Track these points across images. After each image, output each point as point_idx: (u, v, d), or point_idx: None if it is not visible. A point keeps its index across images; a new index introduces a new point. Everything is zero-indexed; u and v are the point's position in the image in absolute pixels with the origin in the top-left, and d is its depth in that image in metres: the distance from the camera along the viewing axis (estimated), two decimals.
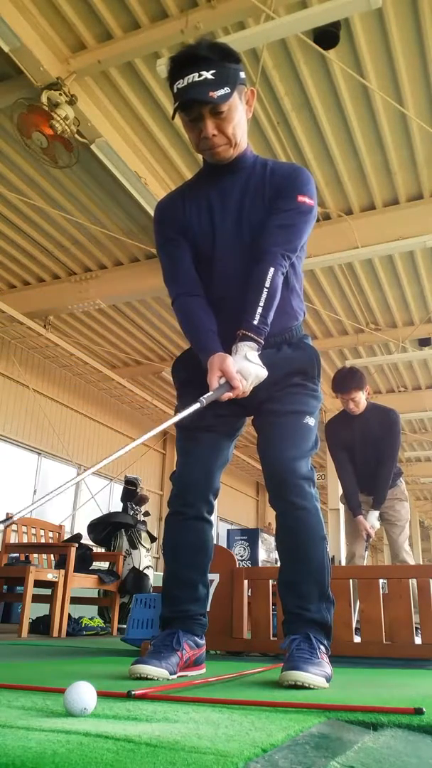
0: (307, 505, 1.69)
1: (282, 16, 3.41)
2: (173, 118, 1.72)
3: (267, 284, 1.65)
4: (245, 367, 1.61)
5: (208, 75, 1.62)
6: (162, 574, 1.85)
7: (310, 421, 1.78)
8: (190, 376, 1.86)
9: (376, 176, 4.94)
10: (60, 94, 3.86)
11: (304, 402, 1.80)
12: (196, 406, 1.54)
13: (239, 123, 1.72)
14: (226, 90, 1.63)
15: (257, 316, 1.63)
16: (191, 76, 1.62)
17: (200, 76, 1.62)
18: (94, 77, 4.13)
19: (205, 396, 1.55)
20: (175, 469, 1.84)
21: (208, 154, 1.75)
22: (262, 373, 1.65)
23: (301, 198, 1.72)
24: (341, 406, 3.96)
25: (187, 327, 1.79)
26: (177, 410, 1.89)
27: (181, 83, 1.64)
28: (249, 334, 1.63)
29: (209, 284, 1.81)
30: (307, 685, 1.43)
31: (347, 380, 3.85)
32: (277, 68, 4.04)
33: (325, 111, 4.34)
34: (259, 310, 1.64)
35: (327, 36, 3.64)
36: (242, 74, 1.72)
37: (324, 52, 3.71)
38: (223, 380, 1.59)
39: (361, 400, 3.84)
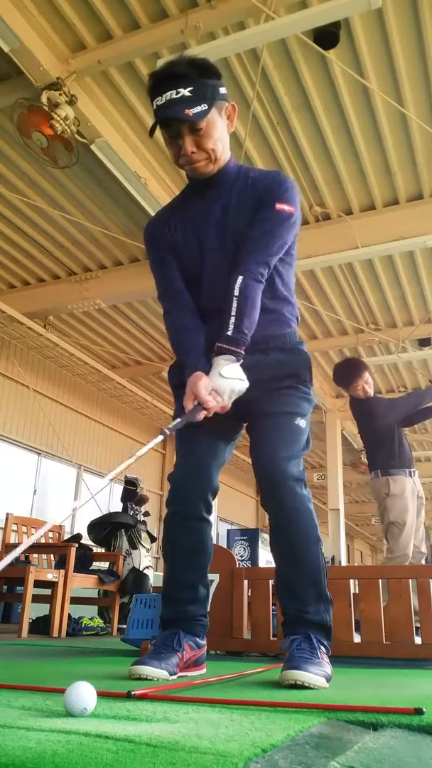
0: (298, 506, 1.68)
1: (282, 16, 3.41)
2: (151, 134, 1.74)
3: (236, 293, 1.66)
4: (219, 384, 1.63)
5: (185, 92, 1.64)
6: (162, 574, 1.85)
7: (301, 422, 1.78)
8: (183, 379, 1.88)
9: (376, 176, 4.93)
10: (60, 94, 3.85)
11: (296, 404, 1.80)
12: (160, 437, 1.56)
13: (219, 138, 1.74)
14: (203, 107, 1.65)
15: (231, 327, 1.65)
16: (169, 93, 1.65)
17: (178, 93, 1.64)
18: (94, 77, 4.13)
19: (169, 426, 1.59)
20: (173, 469, 1.85)
21: (188, 170, 1.78)
22: (240, 386, 1.65)
23: (279, 206, 1.72)
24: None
25: (174, 342, 1.83)
26: (175, 413, 1.92)
27: (159, 100, 1.67)
28: (224, 346, 1.65)
29: (199, 299, 1.83)
30: (307, 685, 1.43)
31: (343, 374, 4.22)
32: (277, 68, 4.04)
33: (325, 111, 4.33)
34: (232, 320, 1.65)
35: (327, 36, 3.64)
36: (222, 90, 1.74)
37: (324, 52, 3.70)
38: (196, 402, 1.62)
39: (365, 385, 4.16)
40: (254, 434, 1.82)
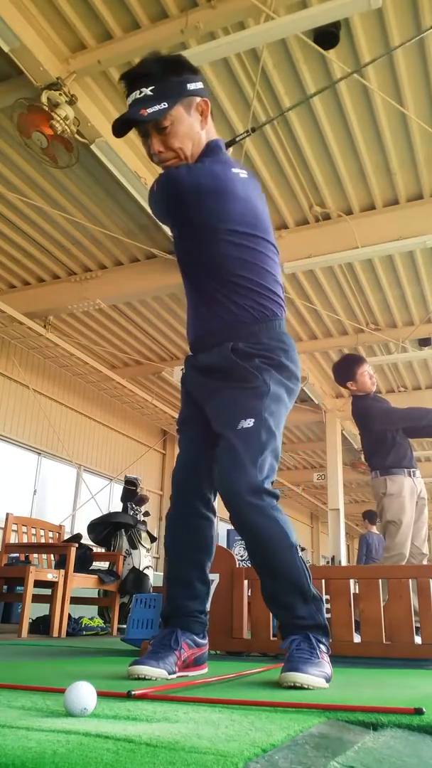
0: (260, 521, 1.59)
1: (282, 16, 3.41)
2: (116, 134, 1.78)
3: None
4: None
5: (147, 91, 1.69)
6: (162, 573, 1.87)
7: (247, 423, 1.65)
8: (183, 378, 1.95)
9: (376, 176, 4.93)
10: (60, 94, 3.86)
11: (238, 406, 1.69)
12: None
13: (187, 135, 1.75)
14: (162, 105, 1.68)
15: None
16: (134, 94, 1.70)
17: (141, 93, 1.69)
18: (94, 77, 4.13)
19: None
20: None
21: (161, 168, 1.83)
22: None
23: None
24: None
25: None
26: (180, 411, 1.98)
27: (129, 101, 1.73)
28: None
29: None
30: (306, 687, 1.43)
31: (342, 369, 4.21)
32: (277, 68, 4.04)
33: (325, 111, 4.34)
34: None
35: (327, 36, 3.64)
36: (191, 86, 1.75)
37: (324, 52, 3.70)
38: None
39: (366, 378, 4.12)
40: None
